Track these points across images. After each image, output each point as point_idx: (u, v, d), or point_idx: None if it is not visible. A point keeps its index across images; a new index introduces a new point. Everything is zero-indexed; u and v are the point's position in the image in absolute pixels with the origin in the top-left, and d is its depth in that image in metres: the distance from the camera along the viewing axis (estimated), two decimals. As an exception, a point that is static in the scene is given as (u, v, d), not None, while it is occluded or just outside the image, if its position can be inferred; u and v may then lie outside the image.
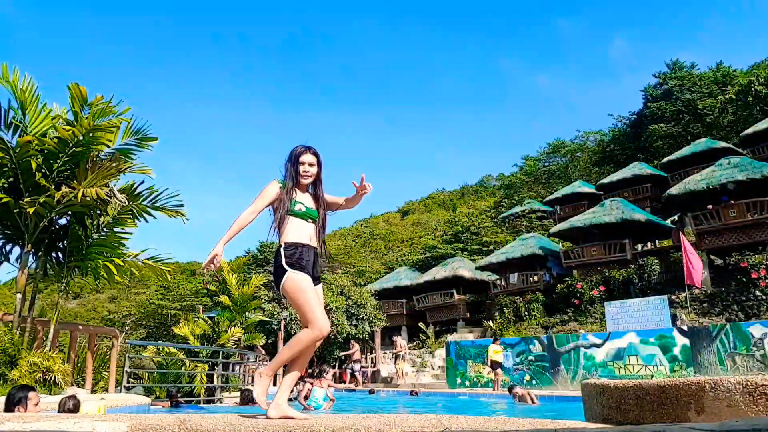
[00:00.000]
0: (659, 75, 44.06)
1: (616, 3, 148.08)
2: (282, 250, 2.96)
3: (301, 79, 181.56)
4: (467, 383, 18.25)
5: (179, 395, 10.01)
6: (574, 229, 22.80)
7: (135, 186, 8.66)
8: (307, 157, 3.17)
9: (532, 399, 11.62)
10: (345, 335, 23.53)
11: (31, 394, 4.26)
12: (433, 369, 22.07)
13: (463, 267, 28.01)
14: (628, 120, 46.08)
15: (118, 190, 8.26)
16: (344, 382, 21.38)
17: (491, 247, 32.53)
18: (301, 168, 3.15)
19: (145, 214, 8.81)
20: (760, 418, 2.07)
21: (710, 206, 19.14)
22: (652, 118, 40.44)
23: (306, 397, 8.07)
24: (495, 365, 15.68)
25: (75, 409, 4.58)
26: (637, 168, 31.46)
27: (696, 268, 17.85)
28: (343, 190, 3.36)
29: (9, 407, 4.15)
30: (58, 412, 4.61)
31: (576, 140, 53.74)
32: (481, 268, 26.77)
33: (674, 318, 17.23)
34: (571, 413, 6.80)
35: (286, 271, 2.89)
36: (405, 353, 19.92)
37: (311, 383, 8.33)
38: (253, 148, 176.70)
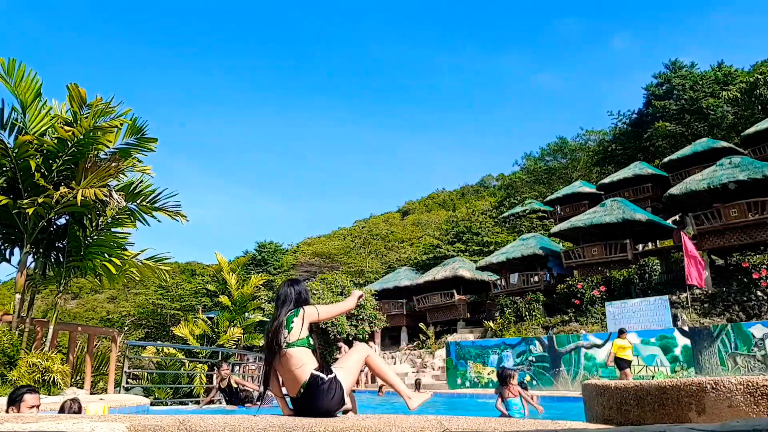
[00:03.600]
0: (659, 75, 44.04)
1: (617, 2, 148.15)
2: (321, 372, 3.10)
3: (302, 78, 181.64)
4: (467, 384, 18.23)
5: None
6: (575, 229, 22.77)
7: (135, 185, 8.65)
8: None
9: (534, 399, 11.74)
10: (345, 335, 23.54)
11: (26, 396, 4.11)
12: (433, 369, 22.06)
13: (464, 267, 27.99)
14: (629, 119, 46.07)
15: (117, 189, 8.24)
16: None
17: (492, 247, 32.50)
18: None
19: (144, 215, 8.80)
20: (761, 418, 2.05)
21: (714, 205, 19.11)
22: (654, 116, 40.44)
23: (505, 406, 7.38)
24: (622, 364, 12.69)
25: (79, 412, 4.53)
26: (638, 168, 31.43)
27: (699, 267, 17.82)
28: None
29: (6, 406, 4.12)
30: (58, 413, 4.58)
31: (577, 139, 53.78)
32: (482, 269, 26.74)
33: (675, 318, 17.20)
34: (571, 414, 6.78)
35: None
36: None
37: (506, 392, 7.48)
38: (254, 147, 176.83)
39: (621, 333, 13.11)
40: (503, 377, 7.63)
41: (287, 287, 3.35)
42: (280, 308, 3.26)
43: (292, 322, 3.16)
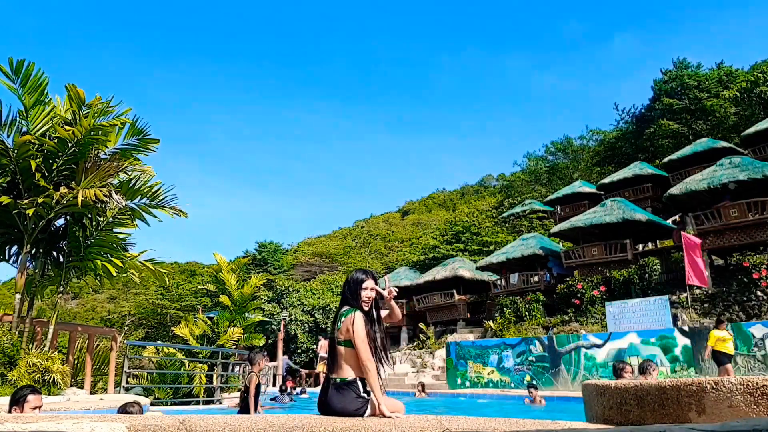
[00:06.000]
0: (666, 72, 43.88)
1: (618, 3, 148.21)
2: (359, 384, 3.16)
3: (302, 78, 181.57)
4: (467, 384, 18.22)
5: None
6: (575, 229, 22.75)
7: (134, 181, 8.64)
8: (369, 283, 3.30)
9: (540, 400, 12.01)
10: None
11: (30, 397, 4.12)
12: (434, 369, 22.04)
13: (464, 267, 27.96)
14: (632, 116, 45.98)
15: (117, 186, 8.22)
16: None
17: (491, 247, 32.48)
18: (364, 294, 3.27)
19: (145, 214, 8.78)
20: (761, 418, 2.05)
21: (713, 206, 19.09)
22: (657, 114, 40.38)
23: None
24: (722, 359, 11.12)
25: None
26: (638, 168, 31.38)
27: (702, 267, 17.80)
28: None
29: (9, 407, 4.13)
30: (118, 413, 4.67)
31: (579, 139, 53.77)
32: (482, 269, 26.71)
33: (675, 318, 17.18)
34: (571, 414, 6.78)
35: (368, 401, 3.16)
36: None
37: None
38: (254, 147, 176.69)
39: (719, 323, 11.60)
40: (641, 370, 6.44)
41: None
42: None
43: (341, 321, 3.23)
